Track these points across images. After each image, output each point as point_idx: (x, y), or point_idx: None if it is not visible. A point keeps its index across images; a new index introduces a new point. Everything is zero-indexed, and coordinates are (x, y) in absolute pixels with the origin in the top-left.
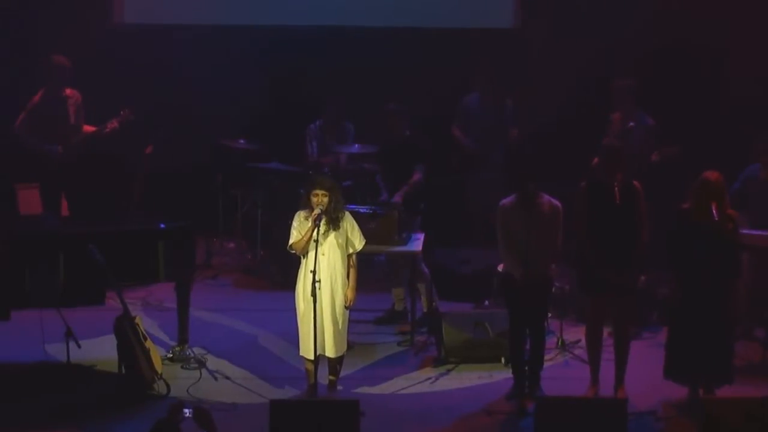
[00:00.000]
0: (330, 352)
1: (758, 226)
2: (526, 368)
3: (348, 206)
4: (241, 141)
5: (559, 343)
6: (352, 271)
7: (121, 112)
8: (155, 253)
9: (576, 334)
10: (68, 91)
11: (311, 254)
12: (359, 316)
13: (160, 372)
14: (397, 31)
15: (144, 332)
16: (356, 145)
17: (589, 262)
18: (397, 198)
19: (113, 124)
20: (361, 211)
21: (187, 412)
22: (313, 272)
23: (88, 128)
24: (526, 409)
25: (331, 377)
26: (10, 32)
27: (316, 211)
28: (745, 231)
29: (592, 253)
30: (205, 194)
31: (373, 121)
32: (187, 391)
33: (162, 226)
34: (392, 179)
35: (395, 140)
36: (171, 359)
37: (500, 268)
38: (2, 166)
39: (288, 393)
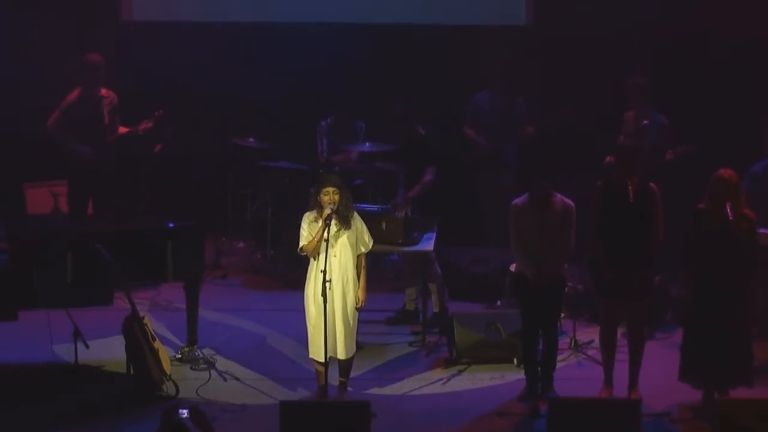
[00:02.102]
0: (341, 354)
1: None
2: (539, 369)
3: (357, 205)
4: (251, 140)
5: (572, 344)
6: (362, 271)
7: (155, 113)
8: (164, 252)
9: (589, 334)
10: (103, 91)
11: (321, 254)
12: (370, 317)
13: (168, 373)
14: (408, 28)
15: (153, 333)
16: (367, 144)
17: (599, 262)
18: (405, 198)
19: (147, 124)
20: (369, 209)
21: (183, 412)
22: (324, 272)
23: (123, 129)
24: (539, 411)
25: (341, 379)
26: (16, 30)
27: (327, 210)
28: (762, 230)
29: (601, 253)
30: (214, 193)
31: (385, 119)
32: (197, 392)
33: (171, 225)
34: (405, 179)
35: (408, 139)
36: (180, 360)
37: (513, 267)
38: (11, 166)
39: (298, 394)
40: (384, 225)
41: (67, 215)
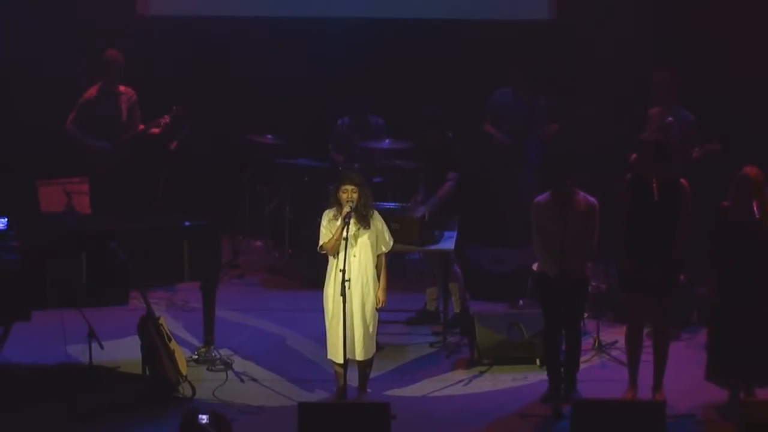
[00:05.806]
0: (360, 355)
1: None
2: (562, 370)
3: (376, 203)
4: (269, 136)
5: (596, 344)
6: (383, 271)
7: (173, 108)
8: (180, 251)
9: (613, 334)
10: (121, 87)
11: (341, 253)
12: (390, 317)
13: (185, 374)
14: (428, 23)
15: (168, 333)
16: (387, 140)
17: (621, 257)
18: (426, 207)
19: (164, 120)
20: (386, 207)
21: (203, 418)
22: (343, 271)
23: (142, 127)
24: (562, 412)
25: (360, 380)
26: (28, 27)
27: (346, 208)
28: None
29: (624, 248)
30: (231, 191)
31: (405, 116)
32: (213, 393)
33: (187, 223)
34: (426, 177)
35: (433, 141)
36: (196, 361)
37: (535, 267)
38: (24, 163)
39: (317, 396)
40: (400, 224)
41: (81, 214)
